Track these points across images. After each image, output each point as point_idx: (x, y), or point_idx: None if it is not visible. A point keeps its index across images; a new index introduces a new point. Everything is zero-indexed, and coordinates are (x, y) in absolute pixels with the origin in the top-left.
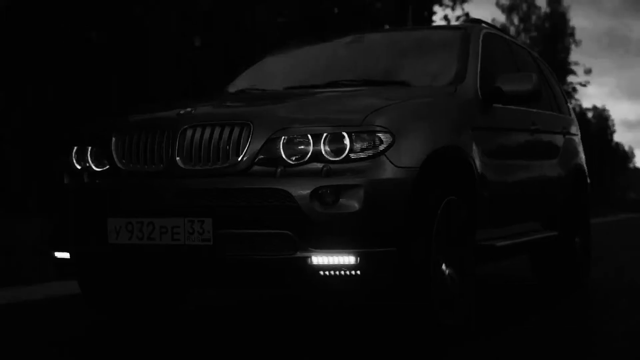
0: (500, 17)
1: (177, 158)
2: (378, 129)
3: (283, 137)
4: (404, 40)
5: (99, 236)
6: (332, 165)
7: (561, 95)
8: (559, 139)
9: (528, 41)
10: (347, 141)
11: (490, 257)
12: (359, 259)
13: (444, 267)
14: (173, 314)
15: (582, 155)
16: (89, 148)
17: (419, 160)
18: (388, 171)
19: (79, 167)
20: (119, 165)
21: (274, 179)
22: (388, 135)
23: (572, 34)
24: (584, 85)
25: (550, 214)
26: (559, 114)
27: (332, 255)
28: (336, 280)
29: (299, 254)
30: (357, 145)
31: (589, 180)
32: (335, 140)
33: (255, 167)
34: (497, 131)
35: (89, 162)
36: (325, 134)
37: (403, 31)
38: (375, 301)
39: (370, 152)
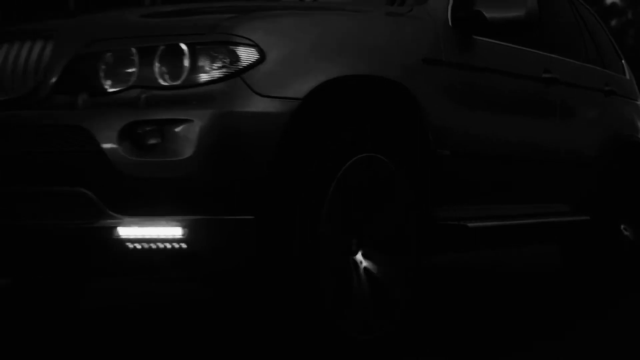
0: None
1: None
2: (237, 39)
3: (96, 53)
4: None
5: None
6: (163, 92)
7: (612, 50)
8: (595, 98)
9: None
10: (187, 57)
11: (461, 242)
12: (187, 230)
13: (359, 255)
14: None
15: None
16: None
17: (302, 88)
18: (243, 100)
19: None
20: None
21: (74, 112)
22: (252, 49)
23: None
24: None
25: (574, 192)
26: (602, 68)
27: (148, 225)
28: (157, 257)
29: (101, 223)
30: (202, 64)
31: None
32: (171, 57)
33: (58, 96)
34: (478, 72)
35: None
36: (157, 47)
37: None
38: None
39: (219, 73)
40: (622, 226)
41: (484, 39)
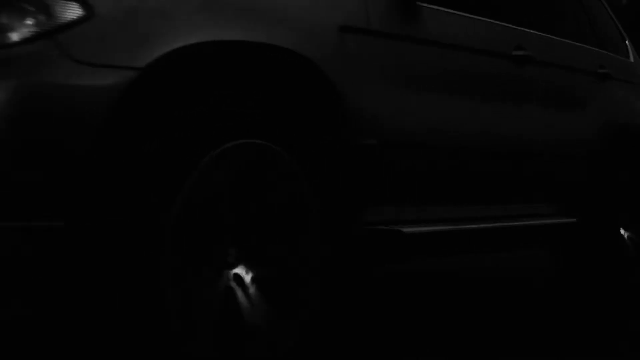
0: None
1: None
2: None
3: None
4: None
5: None
6: None
7: (614, 30)
8: (586, 81)
9: None
10: None
11: (394, 250)
12: None
13: (238, 270)
14: None
15: None
16: None
17: (143, 55)
18: (55, 68)
19: None
20: None
21: None
22: (73, 4)
23: None
24: None
25: (560, 190)
26: (597, 48)
27: None
28: None
29: None
30: (5, 20)
31: None
32: None
33: None
34: (422, 46)
35: None
36: None
37: None
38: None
39: (26, 33)
40: (622, 229)
41: (434, 7)
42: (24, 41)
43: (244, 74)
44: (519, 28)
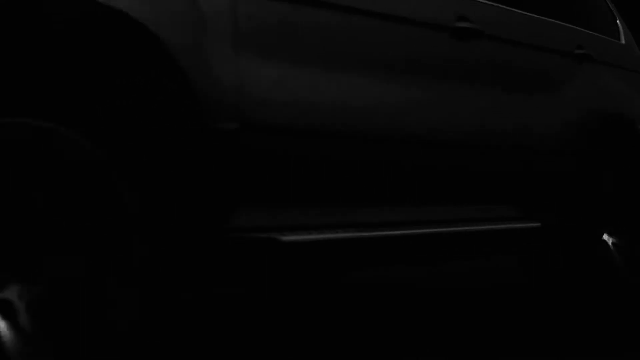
0: None
1: None
2: None
3: None
4: None
5: None
6: None
7: (603, 7)
8: (556, 63)
9: None
10: None
11: (269, 264)
12: None
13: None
14: None
15: (635, 105)
16: None
17: None
18: None
19: None
20: None
21: None
22: None
23: None
24: None
25: (524, 189)
26: (575, 26)
27: None
28: None
29: None
30: None
31: None
32: None
33: None
34: (315, 9)
35: None
36: None
37: None
38: None
39: None
40: (605, 235)
41: None
42: None
43: (24, 32)
44: None
